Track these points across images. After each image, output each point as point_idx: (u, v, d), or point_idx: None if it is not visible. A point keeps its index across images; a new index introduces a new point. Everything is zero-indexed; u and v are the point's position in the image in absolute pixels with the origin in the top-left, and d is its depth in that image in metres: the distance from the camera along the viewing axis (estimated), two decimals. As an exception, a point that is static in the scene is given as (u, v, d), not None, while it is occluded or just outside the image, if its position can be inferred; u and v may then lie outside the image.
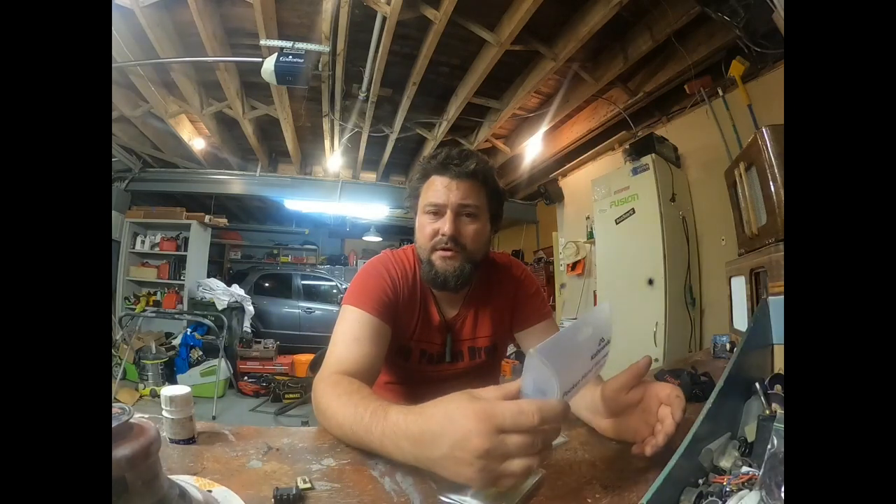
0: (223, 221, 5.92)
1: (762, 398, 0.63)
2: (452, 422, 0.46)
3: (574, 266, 4.25)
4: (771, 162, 1.34)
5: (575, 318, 3.89)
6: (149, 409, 3.41)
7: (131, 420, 0.36)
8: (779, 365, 0.83)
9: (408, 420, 0.52)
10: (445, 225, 0.91)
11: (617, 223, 3.19)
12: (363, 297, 0.89)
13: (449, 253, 0.92)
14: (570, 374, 0.50)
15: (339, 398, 0.65)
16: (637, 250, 3.01)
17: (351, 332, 0.85)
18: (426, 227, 0.94)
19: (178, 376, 4.19)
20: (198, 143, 4.47)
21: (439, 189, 0.93)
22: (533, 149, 4.21)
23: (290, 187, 5.21)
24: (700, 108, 2.98)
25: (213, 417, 3.61)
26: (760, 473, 0.43)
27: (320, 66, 2.85)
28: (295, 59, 2.51)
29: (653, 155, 2.96)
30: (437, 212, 0.93)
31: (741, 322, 1.58)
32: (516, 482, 0.46)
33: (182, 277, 5.11)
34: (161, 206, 5.40)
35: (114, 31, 2.51)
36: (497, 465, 0.44)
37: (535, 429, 0.44)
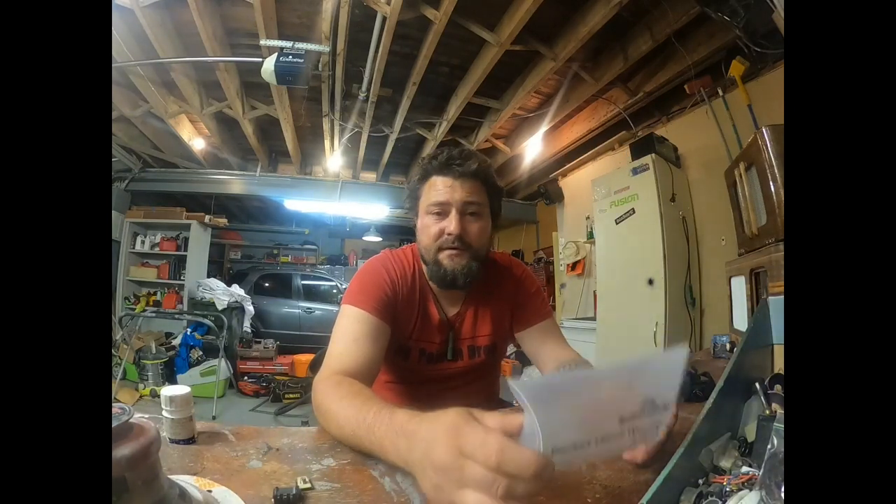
0: (223, 221, 5.92)
1: (762, 398, 0.63)
2: (433, 429, 0.43)
3: (574, 266, 4.25)
4: (771, 162, 1.34)
5: (581, 318, 3.88)
6: (149, 409, 3.41)
7: (131, 420, 0.36)
8: (779, 365, 0.83)
9: (411, 420, 0.50)
10: (451, 224, 0.91)
11: (617, 223, 3.19)
12: (362, 297, 0.89)
13: (456, 251, 0.92)
14: (570, 429, 0.38)
15: (342, 400, 0.65)
16: (637, 250, 3.01)
17: (350, 331, 0.85)
18: (431, 228, 0.94)
19: (178, 376, 4.19)
20: (198, 143, 4.47)
21: (442, 189, 0.93)
22: (533, 149, 4.21)
23: (290, 187, 5.21)
24: (700, 108, 2.98)
25: (213, 417, 3.60)
26: (760, 473, 0.43)
27: (320, 66, 2.85)
28: (295, 59, 2.51)
29: (653, 155, 2.97)
30: (442, 211, 0.93)
31: (741, 322, 1.58)
32: None
33: (182, 277, 5.11)
34: (161, 206, 5.40)
35: (114, 31, 2.51)
36: (451, 488, 0.38)
37: (492, 469, 0.36)
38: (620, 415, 0.40)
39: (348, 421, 0.60)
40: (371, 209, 5.76)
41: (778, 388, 0.64)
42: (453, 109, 3.50)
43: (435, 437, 0.41)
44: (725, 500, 0.44)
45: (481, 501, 0.36)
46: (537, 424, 0.36)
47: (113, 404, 0.36)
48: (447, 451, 0.39)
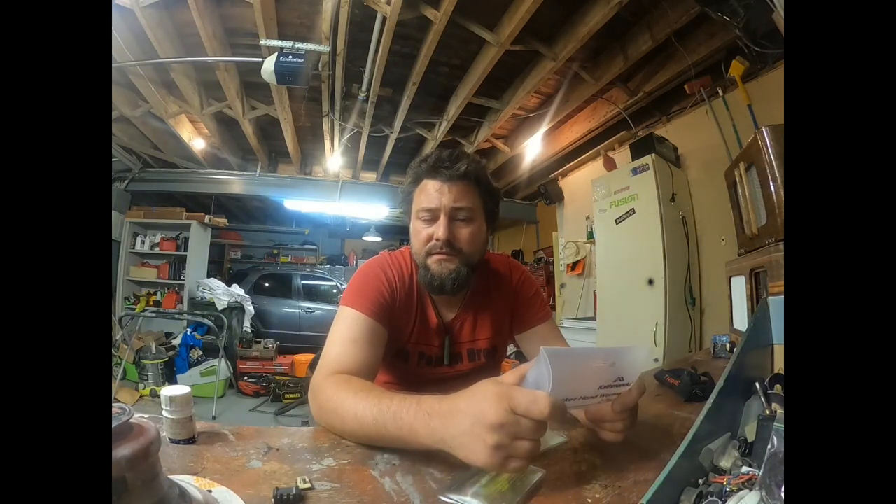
0: (223, 221, 5.92)
1: (762, 398, 0.63)
2: (475, 400, 0.52)
3: (574, 266, 4.25)
4: (771, 162, 1.33)
5: (582, 319, 3.89)
6: (149, 409, 3.41)
7: (131, 420, 0.36)
8: (779, 365, 0.83)
9: (441, 401, 0.56)
10: (440, 229, 0.90)
11: (617, 223, 3.19)
12: (360, 299, 0.89)
13: (444, 256, 0.91)
14: (569, 387, 0.53)
15: (357, 394, 0.66)
16: (637, 250, 3.01)
17: (348, 333, 0.85)
18: (421, 233, 0.93)
19: (178, 376, 4.19)
20: (198, 143, 4.46)
21: (431, 193, 0.92)
22: (533, 149, 4.21)
23: (290, 187, 5.21)
24: (700, 108, 2.98)
25: (213, 417, 3.61)
26: (760, 473, 0.43)
27: (320, 66, 2.85)
28: (295, 59, 2.51)
29: (653, 155, 2.96)
30: (431, 216, 0.92)
31: (741, 322, 1.57)
32: (520, 466, 0.50)
33: (182, 277, 5.11)
34: (161, 206, 5.40)
35: (114, 31, 2.51)
36: (509, 442, 0.49)
37: (545, 417, 0.48)
38: (600, 383, 0.56)
39: (368, 411, 0.61)
40: (371, 209, 5.76)
41: (778, 388, 0.64)
42: (453, 109, 3.50)
43: (485, 405, 0.50)
44: (725, 500, 0.44)
45: (533, 446, 0.50)
46: (551, 376, 0.49)
47: (113, 404, 0.36)
48: (502, 412, 0.49)
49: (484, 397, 0.51)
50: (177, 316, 4.72)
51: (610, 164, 3.62)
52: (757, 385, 0.65)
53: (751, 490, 0.44)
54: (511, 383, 0.53)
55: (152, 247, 5.19)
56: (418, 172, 0.95)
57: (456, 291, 0.94)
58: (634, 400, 0.60)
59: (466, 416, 0.51)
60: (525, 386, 0.52)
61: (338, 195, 5.19)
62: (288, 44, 2.55)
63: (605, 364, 0.56)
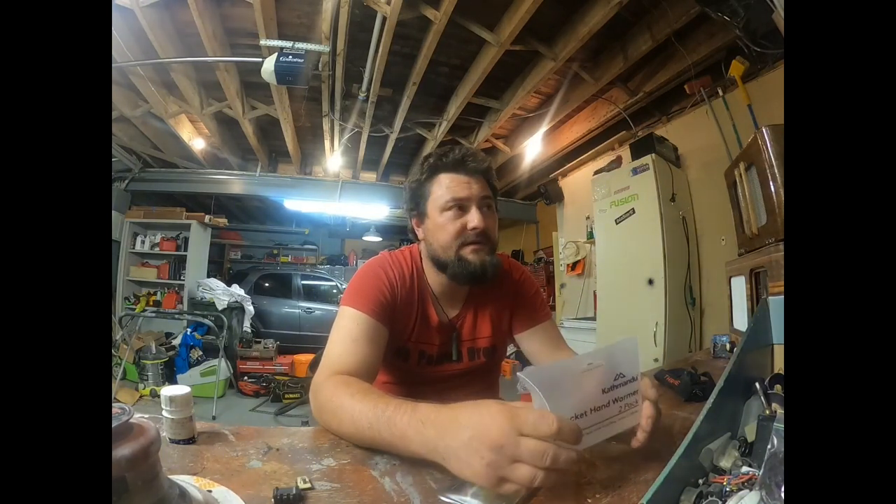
0: (223, 221, 5.92)
1: (762, 398, 0.63)
2: (480, 415, 0.50)
3: (574, 266, 4.25)
4: (771, 162, 1.33)
5: (579, 318, 3.89)
6: (149, 409, 3.41)
7: (131, 420, 0.36)
8: (779, 365, 0.83)
9: (439, 411, 0.54)
10: (475, 219, 0.91)
11: (617, 223, 3.19)
12: (360, 299, 0.89)
13: (479, 246, 0.92)
14: (569, 401, 0.51)
15: (354, 396, 0.65)
16: (637, 250, 3.01)
17: (349, 333, 0.85)
18: (449, 225, 0.92)
19: (178, 376, 4.19)
20: (198, 143, 4.47)
21: (460, 185, 0.93)
22: (533, 149, 4.21)
23: (290, 187, 5.21)
24: (700, 108, 2.98)
25: (213, 417, 3.60)
26: (760, 473, 0.43)
27: (320, 66, 2.85)
28: (295, 59, 2.51)
29: (653, 155, 2.96)
30: (462, 207, 0.92)
31: (741, 322, 1.57)
32: (515, 491, 0.47)
33: (182, 277, 5.11)
34: (161, 206, 5.40)
35: (114, 31, 2.51)
36: (505, 463, 0.46)
37: (552, 437, 0.46)
38: (602, 387, 0.55)
39: (364, 415, 0.61)
40: (371, 209, 5.76)
41: (778, 388, 0.65)
42: (453, 109, 3.50)
43: (489, 421, 0.48)
44: (725, 500, 0.44)
45: (533, 473, 0.45)
46: (546, 404, 0.47)
47: (113, 404, 0.36)
48: (503, 432, 0.46)
49: (488, 414, 0.49)
50: (177, 316, 4.72)
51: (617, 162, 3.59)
52: (757, 385, 0.65)
53: (751, 490, 0.44)
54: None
55: (152, 247, 5.19)
56: (437, 166, 0.95)
57: (492, 280, 0.95)
58: (655, 418, 0.59)
59: (466, 430, 0.49)
60: None
61: (338, 195, 5.19)
62: (288, 44, 2.55)
63: (593, 367, 0.54)
